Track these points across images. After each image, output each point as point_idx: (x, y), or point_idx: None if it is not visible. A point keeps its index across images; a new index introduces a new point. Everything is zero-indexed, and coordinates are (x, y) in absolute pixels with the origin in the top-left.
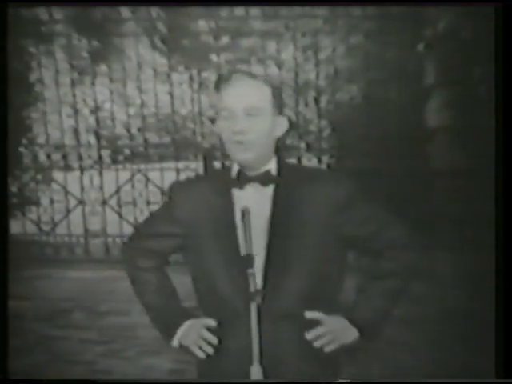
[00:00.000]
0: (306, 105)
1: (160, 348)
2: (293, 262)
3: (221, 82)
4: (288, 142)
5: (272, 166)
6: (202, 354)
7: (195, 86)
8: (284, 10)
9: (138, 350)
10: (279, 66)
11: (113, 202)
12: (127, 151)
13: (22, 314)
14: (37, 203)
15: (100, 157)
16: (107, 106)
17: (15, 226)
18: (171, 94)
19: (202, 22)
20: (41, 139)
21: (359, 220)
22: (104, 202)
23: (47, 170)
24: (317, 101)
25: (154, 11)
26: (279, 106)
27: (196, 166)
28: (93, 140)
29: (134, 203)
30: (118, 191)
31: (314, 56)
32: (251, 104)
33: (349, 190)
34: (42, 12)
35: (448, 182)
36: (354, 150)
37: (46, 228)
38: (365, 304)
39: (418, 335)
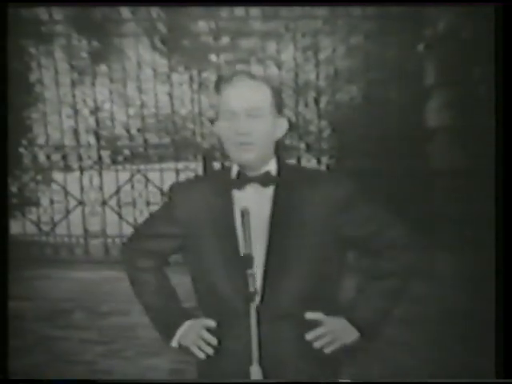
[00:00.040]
0: (306, 105)
1: (160, 348)
2: (292, 262)
3: (221, 82)
4: (288, 142)
5: (272, 167)
6: (201, 355)
7: (195, 86)
8: (284, 11)
9: (137, 350)
10: (279, 66)
11: (112, 202)
12: (127, 152)
13: (22, 315)
14: (37, 204)
15: (100, 157)
16: (107, 106)
17: (15, 227)
18: (171, 95)
19: (201, 23)
20: (41, 140)
21: (359, 220)
22: (104, 203)
23: (47, 171)
24: (317, 101)
25: (154, 11)
26: (279, 107)
27: (195, 167)
28: (92, 140)
29: (134, 204)
30: (117, 192)
31: (313, 56)
32: (253, 105)
33: (349, 191)
34: (42, 12)
35: (448, 182)
36: (353, 151)
37: (45, 228)
38: (365, 304)
39: (418, 335)
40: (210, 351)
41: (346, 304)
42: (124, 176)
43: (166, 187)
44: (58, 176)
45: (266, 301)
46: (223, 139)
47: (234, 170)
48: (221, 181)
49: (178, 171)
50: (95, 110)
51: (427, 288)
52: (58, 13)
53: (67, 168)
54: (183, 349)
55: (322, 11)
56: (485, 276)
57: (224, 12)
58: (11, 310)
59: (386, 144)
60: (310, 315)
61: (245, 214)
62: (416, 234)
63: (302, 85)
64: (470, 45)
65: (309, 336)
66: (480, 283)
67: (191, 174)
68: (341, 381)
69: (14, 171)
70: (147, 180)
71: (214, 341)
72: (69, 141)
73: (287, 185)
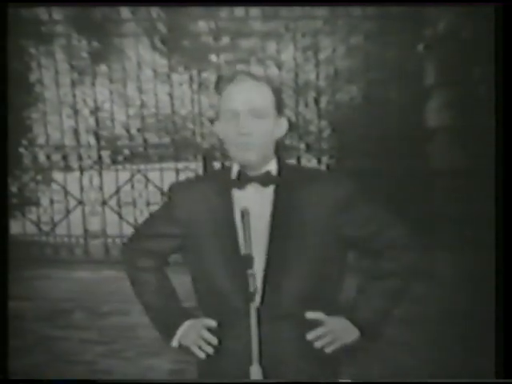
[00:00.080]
0: (306, 105)
1: (160, 348)
2: (293, 262)
3: (222, 82)
4: (288, 142)
5: (272, 167)
6: (201, 354)
7: (195, 86)
8: (284, 11)
9: (138, 350)
10: (279, 66)
11: (112, 202)
12: (127, 152)
13: (22, 315)
14: (37, 203)
15: (100, 157)
16: (107, 106)
17: (15, 227)
18: (171, 95)
19: (201, 23)
20: (41, 140)
21: (359, 220)
22: (104, 203)
23: (47, 171)
24: (317, 101)
25: (154, 11)
26: (280, 107)
27: (196, 167)
28: (92, 140)
29: (134, 204)
30: (117, 192)
31: (314, 56)
32: (255, 105)
33: (349, 191)
34: (42, 12)
35: (448, 182)
36: (353, 151)
37: (45, 228)
38: (365, 304)
39: (418, 335)
40: (210, 351)
41: (346, 304)
42: (124, 176)
43: (165, 187)
44: (58, 176)
45: (267, 301)
46: (225, 139)
47: (235, 169)
48: (221, 180)
49: (178, 171)
50: (95, 110)
51: (427, 288)
52: (57, 13)
53: (67, 168)
54: (183, 349)
55: (322, 11)
56: (485, 276)
57: (224, 12)
58: (11, 310)
59: (385, 144)
60: (310, 315)
61: (245, 213)
62: (416, 234)
63: (302, 85)
64: (470, 45)
65: (309, 336)
66: (480, 283)
67: (191, 174)
68: (341, 381)
69: (14, 171)
70: (147, 180)
71: (214, 340)
72: (69, 141)
73: (287, 185)
